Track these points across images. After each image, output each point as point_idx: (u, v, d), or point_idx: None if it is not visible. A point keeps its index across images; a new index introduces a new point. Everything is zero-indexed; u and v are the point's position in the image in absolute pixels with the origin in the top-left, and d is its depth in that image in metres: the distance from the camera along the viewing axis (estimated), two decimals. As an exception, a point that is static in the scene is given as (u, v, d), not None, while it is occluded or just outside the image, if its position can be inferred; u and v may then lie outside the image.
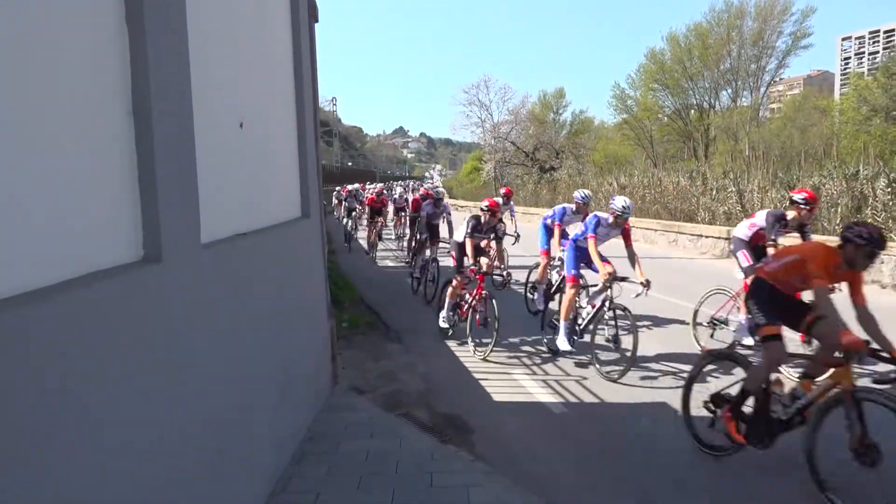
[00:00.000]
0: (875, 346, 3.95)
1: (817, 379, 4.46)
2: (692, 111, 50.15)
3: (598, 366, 6.70)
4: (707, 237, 17.59)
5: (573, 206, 9.29)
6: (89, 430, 2.06)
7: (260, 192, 4.44)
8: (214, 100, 3.48)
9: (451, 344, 8.06)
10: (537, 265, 9.48)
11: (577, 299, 7.27)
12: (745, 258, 7.13)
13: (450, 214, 11.94)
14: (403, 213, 19.26)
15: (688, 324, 7.81)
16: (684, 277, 12.54)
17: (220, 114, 3.64)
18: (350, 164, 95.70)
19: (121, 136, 2.47)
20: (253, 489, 3.77)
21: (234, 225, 3.82)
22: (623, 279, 6.79)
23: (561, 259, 8.38)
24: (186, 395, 2.80)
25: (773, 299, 4.51)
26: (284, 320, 4.64)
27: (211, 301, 3.17)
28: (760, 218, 7.28)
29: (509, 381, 6.65)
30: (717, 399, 4.84)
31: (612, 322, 6.77)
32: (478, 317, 7.80)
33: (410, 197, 18.85)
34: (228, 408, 3.34)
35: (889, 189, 14.22)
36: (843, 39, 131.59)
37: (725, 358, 5.28)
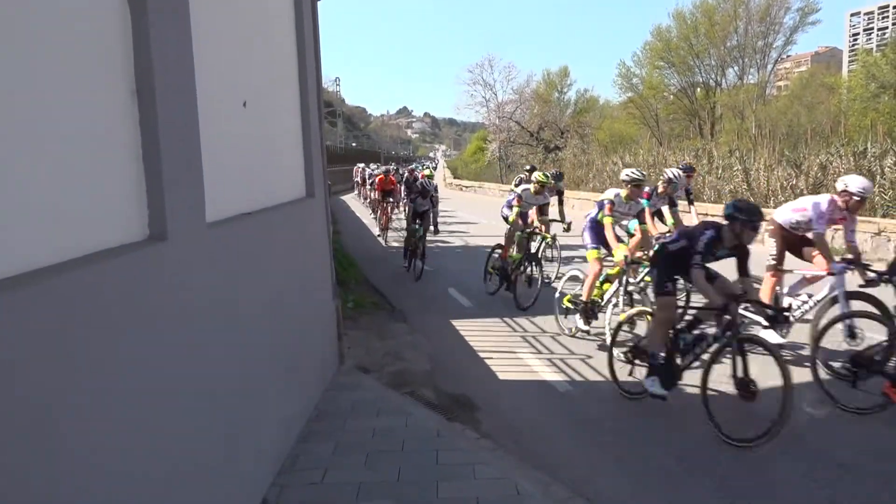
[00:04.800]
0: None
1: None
2: (698, 89, 49.74)
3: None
4: (713, 216, 17.50)
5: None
6: (95, 411, 2.07)
7: (264, 172, 4.44)
8: (217, 79, 3.47)
9: (457, 323, 8.08)
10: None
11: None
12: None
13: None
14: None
15: None
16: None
17: (223, 93, 3.63)
18: (354, 144, 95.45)
19: (125, 114, 2.47)
20: (260, 467, 3.81)
21: (240, 204, 3.82)
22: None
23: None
24: (193, 374, 2.82)
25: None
26: (290, 300, 4.65)
27: (217, 280, 3.18)
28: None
29: (514, 360, 6.68)
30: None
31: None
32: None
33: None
34: (235, 386, 3.36)
35: (896, 166, 14.13)
36: (852, 15, 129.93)
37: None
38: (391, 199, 17.35)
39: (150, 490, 2.40)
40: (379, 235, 17.18)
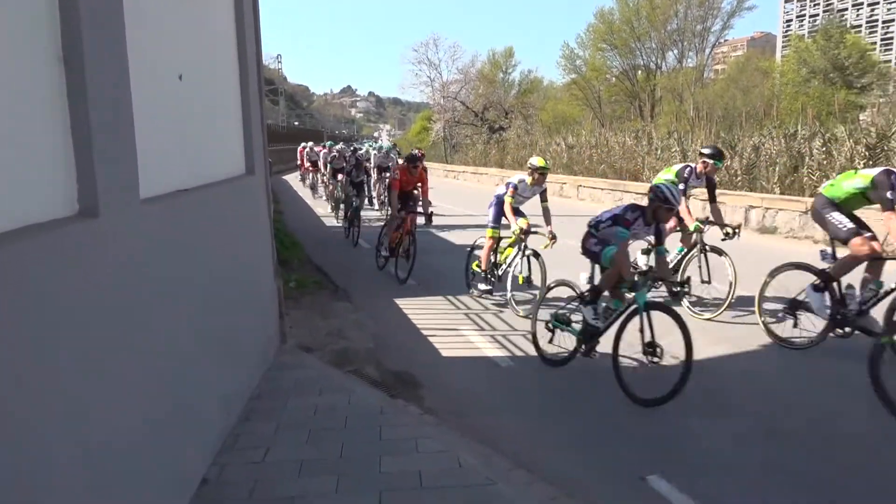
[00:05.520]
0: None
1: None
2: (639, 72, 50.68)
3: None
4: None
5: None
6: (20, 397, 2.00)
7: (202, 148, 4.34)
8: (151, 49, 3.36)
9: (400, 302, 8.10)
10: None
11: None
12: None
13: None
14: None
15: None
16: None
17: (157, 64, 3.52)
18: (297, 123, 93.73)
19: (51, 82, 2.37)
20: (200, 447, 3.77)
21: (176, 181, 3.73)
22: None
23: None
24: (126, 353, 2.76)
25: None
26: (229, 278, 4.58)
27: (152, 258, 3.11)
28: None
29: (457, 336, 6.75)
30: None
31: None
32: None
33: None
34: (171, 366, 3.30)
35: (824, 149, 14.71)
36: (786, 2, 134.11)
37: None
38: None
39: (82, 473, 2.35)
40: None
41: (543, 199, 7.79)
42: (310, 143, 26.98)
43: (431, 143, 50.54)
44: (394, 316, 7.63)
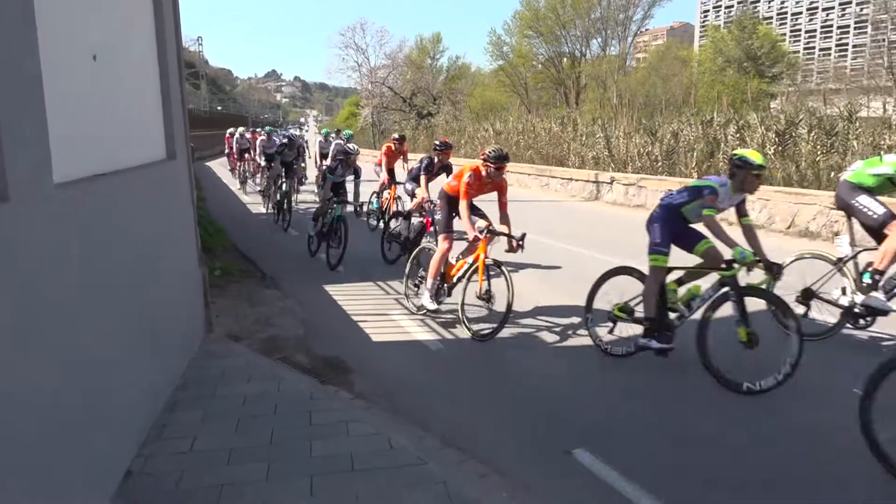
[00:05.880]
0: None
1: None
2: (565, 59, 51.54)
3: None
4: (577, 181, 18.37)
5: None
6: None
7: (120, 132, 4.18)
8: (63, 28, 3.22)
9: (330, 288, 8.05)
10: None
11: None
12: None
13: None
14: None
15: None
16: (572, 221, 13.08)
17: (70, 45, 3.37)
18: (220, 108, 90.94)
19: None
20: (122, 438, 3.67)
21: (92, 165, 3.59)
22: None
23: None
24: (41, 343, 2.66)
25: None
26: (150, 266, 4.45)
27: (67, 244, 2.99)
28: None
29: (388, 321, 6.77)
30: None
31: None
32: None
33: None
34: (89, 356, 3.20)
35: (738, 135, 15.38)
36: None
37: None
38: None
39: (-2, 465, 2.27)
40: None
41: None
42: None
43: (360, 129, 50.07)
44: (323, 302, 7.57)
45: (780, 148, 14.23)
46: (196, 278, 5.94)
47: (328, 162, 13.75)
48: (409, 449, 3.87)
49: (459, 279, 6.57)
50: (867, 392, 3.63)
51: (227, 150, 25.27)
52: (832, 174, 12.63)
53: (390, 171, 12.22)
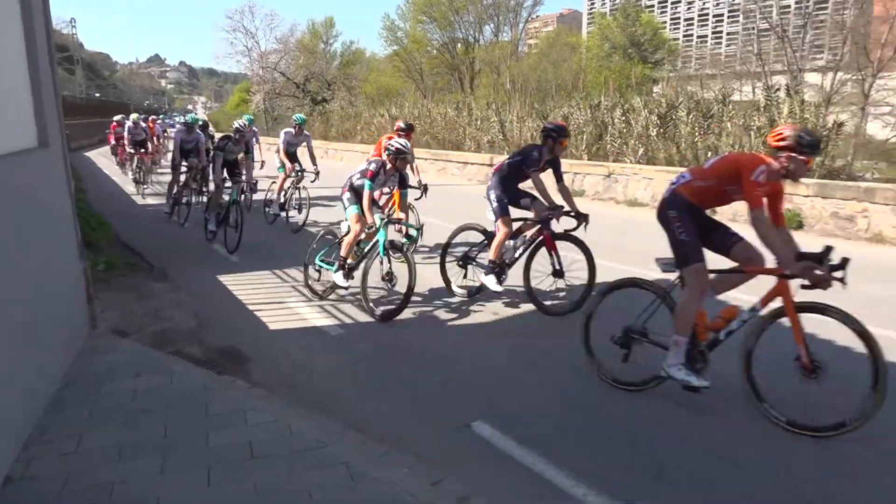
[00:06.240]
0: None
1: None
2: (458, 45, 51.85)
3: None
4: (473, 164, 18.67)
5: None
6: None
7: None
8: None
9: (225, 278, 7.82)
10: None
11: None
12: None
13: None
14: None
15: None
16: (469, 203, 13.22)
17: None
18: (98, 94, 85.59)
19: None
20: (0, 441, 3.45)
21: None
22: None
23: None
24: None
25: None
26: (22, 260, 4.17)
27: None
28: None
29: (285, 309, 6.67)
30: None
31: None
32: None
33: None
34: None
35: (624, 118, 16.08)
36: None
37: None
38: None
39: None
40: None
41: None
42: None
43: (252, 116, 48.59)
44: (217, 293, 7.35)
45: (661, 130, 15.01)
46: (76, 272, 5.62)
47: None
48: (308, 433, 3.85)
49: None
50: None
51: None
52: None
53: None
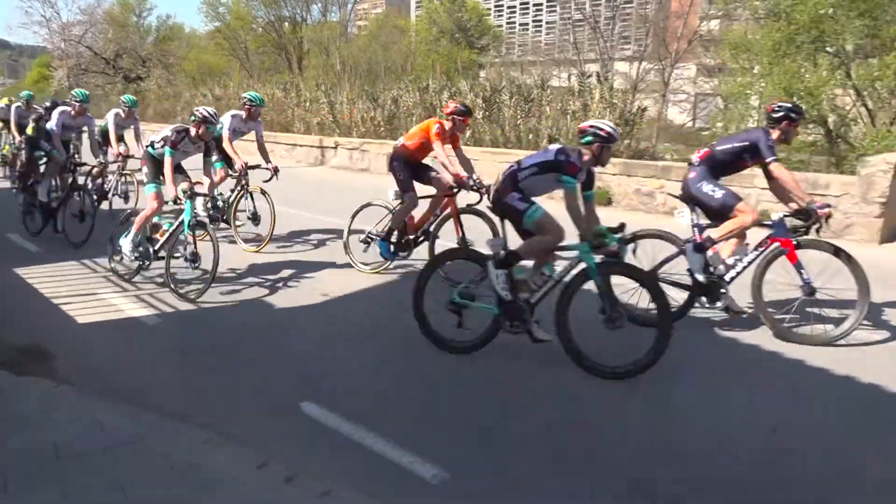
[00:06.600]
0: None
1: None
2: (286, 24, 50.29)
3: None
4: (302, 146, 18.34)
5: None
6: None
7: None
8: None
9: (22, 271, 7.09)
10: None
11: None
12: None
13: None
14: None
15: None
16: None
17: None
18: None
19: None
20: None
21: None
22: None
23: None
24: None
25: None
26: None
27: None
28: None
29: (96, 300, 6.19)
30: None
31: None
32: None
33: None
34: None
35: (450, 101, 16.50)
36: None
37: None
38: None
39: None
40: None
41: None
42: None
43: (55, 93, 44.15)
44: (15, 288, 6.64)
45: (487, 113, 15.57)
46: None
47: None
48: (123, 428, 3.66)
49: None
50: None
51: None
52: (531, 136, 14.22)
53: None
